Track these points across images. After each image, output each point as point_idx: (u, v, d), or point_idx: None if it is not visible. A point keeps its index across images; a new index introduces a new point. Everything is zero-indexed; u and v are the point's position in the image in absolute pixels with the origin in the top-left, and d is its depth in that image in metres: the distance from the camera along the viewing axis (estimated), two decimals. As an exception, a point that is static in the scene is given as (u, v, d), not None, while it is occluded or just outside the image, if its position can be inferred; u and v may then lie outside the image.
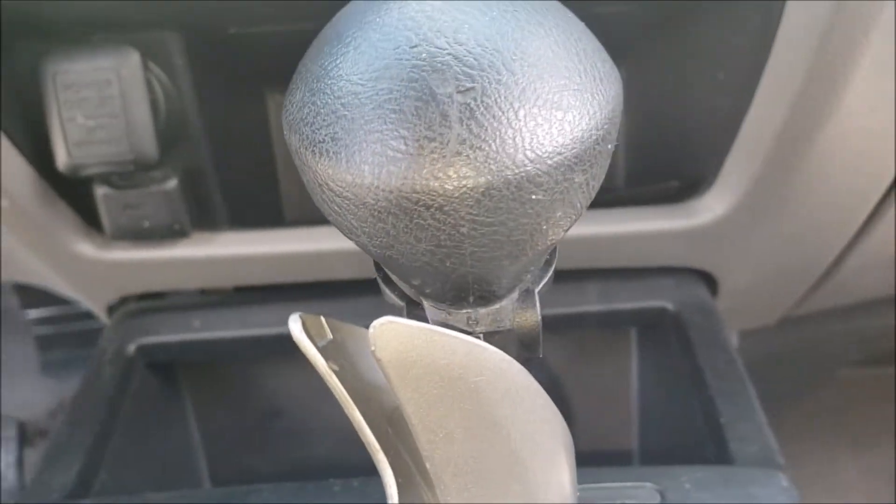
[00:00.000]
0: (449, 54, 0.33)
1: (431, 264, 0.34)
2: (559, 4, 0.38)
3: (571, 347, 0.84)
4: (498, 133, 0.32)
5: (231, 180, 0.77)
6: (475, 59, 0.33)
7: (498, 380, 0.34)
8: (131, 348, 0.81)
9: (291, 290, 0.87)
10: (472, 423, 0.34)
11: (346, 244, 0.79)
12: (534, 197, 0.33)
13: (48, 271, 0.82)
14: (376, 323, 0.33)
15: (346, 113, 0.33)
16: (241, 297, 0.90)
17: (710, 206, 0.74)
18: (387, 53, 0.33)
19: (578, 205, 0.35)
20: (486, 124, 0.32)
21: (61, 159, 0.69)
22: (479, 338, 0.37)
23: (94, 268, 0.79)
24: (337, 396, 0.38)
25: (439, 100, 0.32)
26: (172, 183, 0.74)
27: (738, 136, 0.68)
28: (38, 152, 0.70)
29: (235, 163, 0.76)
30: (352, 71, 0.34)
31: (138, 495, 0.62)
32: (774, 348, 1.03)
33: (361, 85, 0.33)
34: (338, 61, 0.35)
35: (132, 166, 0.69)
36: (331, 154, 0.34)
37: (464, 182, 0.32)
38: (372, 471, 0.39)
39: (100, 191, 0.74)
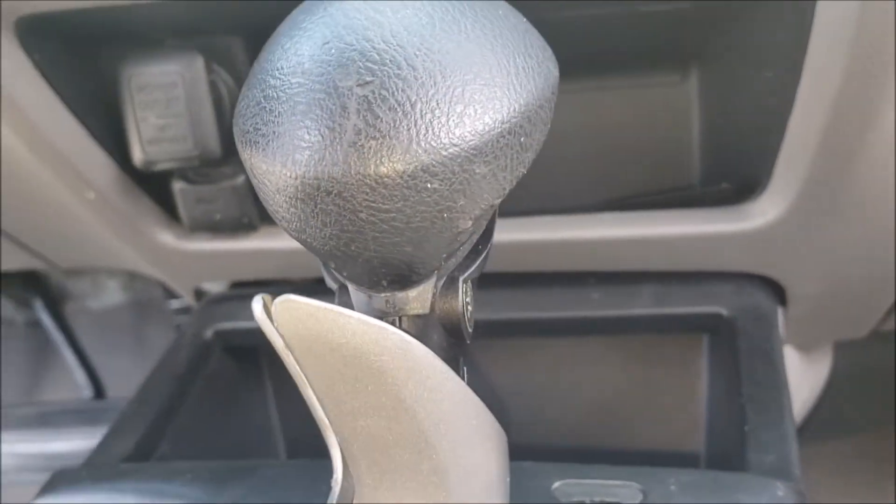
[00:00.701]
0: (355, 50, 0.35)
1: (339, 248, 0.36)
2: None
3: (636, 350, 0.83)
4: (392, 124, 0.34)
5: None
6: (378, 54, 0.34)
7: (400, 361, 0.35)
8: (209, 333, 0.87)
9: None
10: (376, 400, 0.36)
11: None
12: (429, 186, 0.34)
13: (137, 258, 0.89)
14: (277, 300, 0.35)
15: (266, 105, 0.36)
16: (326, 287, 0.94)
17: (765, 209, 0.72)
18: (303, 50, 0.36)
19: (486, 195, 0.36)
20: (381, 115, 0.34)
21: (137, 155, 0.75)
22: (395, 321, 0.38)
23: (176, 256, 0.86)
24: (292, 374, 0.41)
25: (340, 92, 0.34)
26: (241, 179, 0.79)
27: (785, 136, 0.66)
28: (120, 149, 0.77)
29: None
30: (276, 67, 0.36)
31: (168, 463, 0.67)
32: (870, 362, 0.98)
33: (280, 80, 0.36)
34: (269, 58, 0.37)
35: (197, 162, 0.74)
36: (252, 143, 0.36)
37: (358, 170, 0.34)
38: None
39: (177, 185, 0.80)
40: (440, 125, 0.34)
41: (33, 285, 1.57)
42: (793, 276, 0.78)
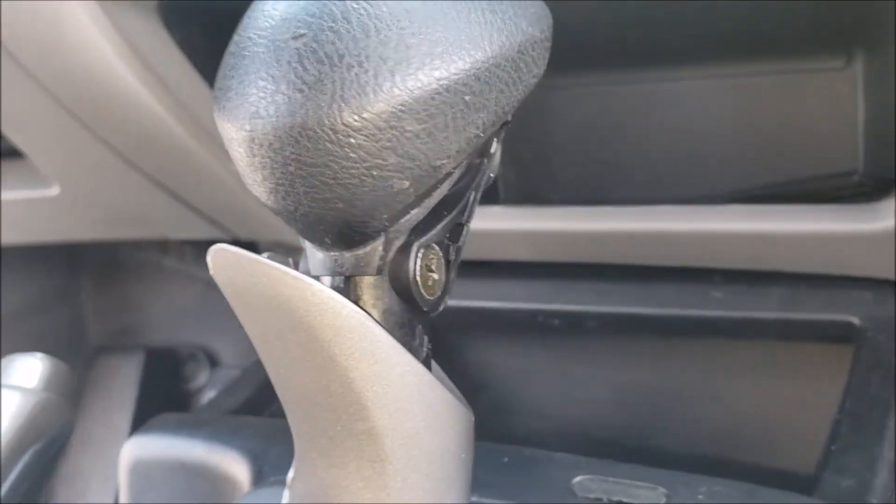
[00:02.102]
0: (298, 5, 0.35)
1: (278, 202, 0.36)
2: None
3: (758, 356, 0.77)
4: (317, 77, 0.34)
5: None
6: (317, 8, 0.34)
7: (328, 318, 0.35)
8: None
9: (511, 266, 0.88)
10: (307, 357, 0.36)
11: (560, 224, 0.80)
12: (353, 141, 0.34)
13: (289, 232, 0.94)
14: (212, 249, 0.36)
15: (228, 61, 0.37)
16: (467, 270, 0.93)
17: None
18: (261, 7, 0.37)
19: (422, 155, 0.35)
20: (308, 68, 0.34)
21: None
22: (341, 280, 0.38)
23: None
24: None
25: (277, 46, 0.35)
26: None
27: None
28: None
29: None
30: (241, 25, 0.38)
31: (244, 417, 0.70)
32: None
33: (240, 36, 0.37)
34: (243, 18, 0.38)
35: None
36: (214, 98, 0.38)
37: (283, 121, 0.34)
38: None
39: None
40: (366, 79, 0.34)
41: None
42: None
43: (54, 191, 1.07)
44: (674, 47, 0.76)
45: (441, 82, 0.34)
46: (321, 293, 0.35)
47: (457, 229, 0.41)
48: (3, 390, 0.54)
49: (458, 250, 0.42)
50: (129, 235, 1.27)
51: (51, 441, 0.55)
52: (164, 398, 1.56)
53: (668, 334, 0.78)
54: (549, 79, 0.85)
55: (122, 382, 1.58)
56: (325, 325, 0.35)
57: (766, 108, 0.77)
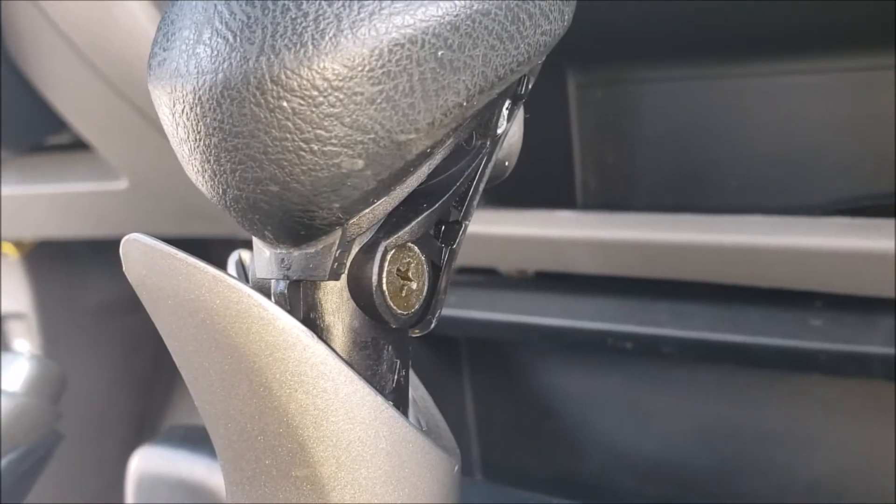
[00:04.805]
0: None
1: (206, 184, 0.29)
2: None
3: (862, 397, 0.65)
4: (246, 22, 0.26)
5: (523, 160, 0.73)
6: None
7: (260, 333, 0.27)
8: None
9: (579, 280, 0.79)
10: (233, 379, 0.28)
11: (639, 233, 0.71)
12: (285, 104, 0.26)
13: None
14: (124, 239, 0.29)
15: (164, 12, 0.30)
16: (539, 283, 0.85)
17: None
18: None
19: (378, 126, 0.27)
20: (236, 11, 0.27)
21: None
22: (286, 285, 0.30)
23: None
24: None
25: None
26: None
27: None
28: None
29: (528, 142, 0.72)
30: None
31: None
32: None
33: None
34: None
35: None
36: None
37: (203, 79, 0.27)
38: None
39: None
40: (304, 25, 0.26)
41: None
42: None
43: (123, 184, 1.05)
44: (777, 36, 0.66)
45: (403, 31, 0.26)
46: (247, 299, 0.28)
47: (451, 228, 0.33)
48: (-20, 392, 0.49)
49: (453, 254, 0.33)
50: (200, 232, 1.24)
51: (29, 450, 0.50)
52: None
53: (756, 365, 0.67)
54: (636, 71, 0.76)
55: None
56: (254, 341, 0.28)
57: (882, 107, 0.65)
